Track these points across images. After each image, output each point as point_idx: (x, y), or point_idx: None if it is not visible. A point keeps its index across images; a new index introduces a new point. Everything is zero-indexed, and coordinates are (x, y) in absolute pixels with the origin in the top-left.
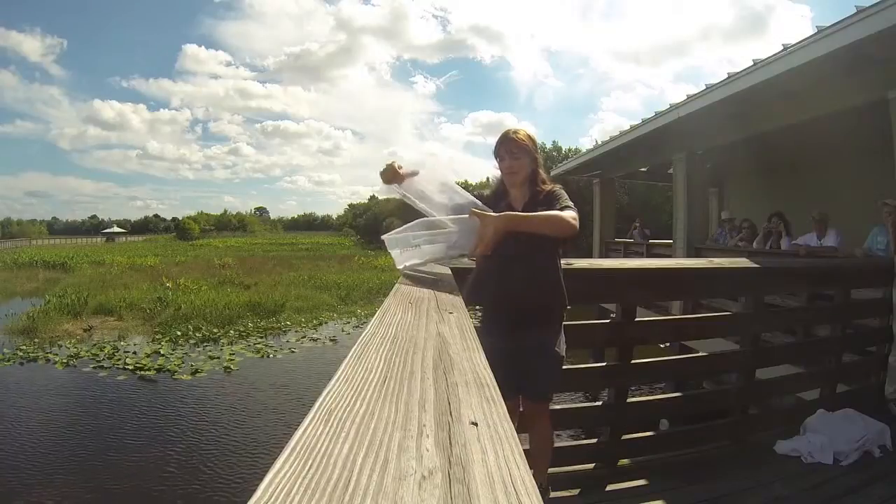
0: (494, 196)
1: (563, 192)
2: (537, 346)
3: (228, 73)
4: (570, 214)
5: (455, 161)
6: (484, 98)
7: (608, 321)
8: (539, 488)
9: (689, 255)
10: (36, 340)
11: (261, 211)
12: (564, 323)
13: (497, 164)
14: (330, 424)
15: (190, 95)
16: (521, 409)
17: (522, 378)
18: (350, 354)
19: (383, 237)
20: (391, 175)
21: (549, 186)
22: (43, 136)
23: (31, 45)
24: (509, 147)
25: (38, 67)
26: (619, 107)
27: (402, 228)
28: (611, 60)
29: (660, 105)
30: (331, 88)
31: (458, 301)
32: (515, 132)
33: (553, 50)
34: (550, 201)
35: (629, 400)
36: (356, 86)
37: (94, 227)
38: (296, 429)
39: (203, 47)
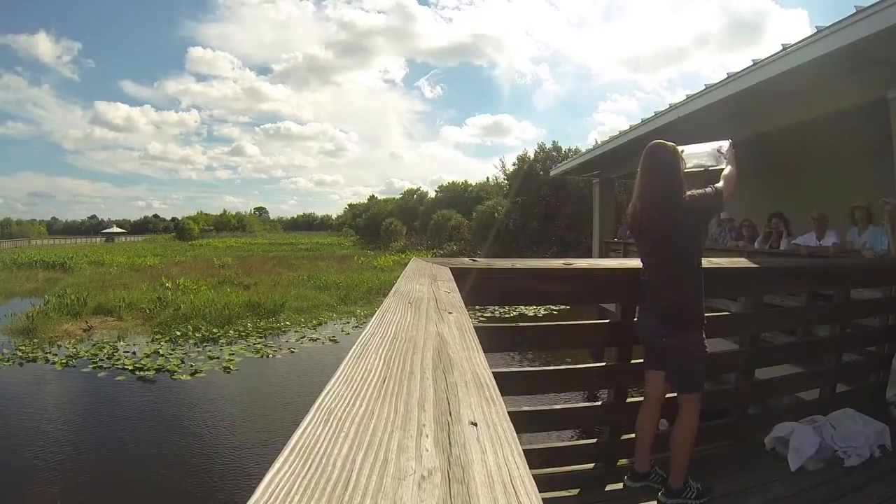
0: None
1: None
2: (675, 345)
3: (234, 76)
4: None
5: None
6: (484, 100)
7: (608, 321)
8: (661, 479)
9: None
10: (35, 341)
11: (260, 211)
12: (564, 322)
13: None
14: (329, 424)
15: (195, 97)
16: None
17: (667, 369)
18: (349, 354)
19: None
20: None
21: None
22: (45, 137)
23: (36, 47)
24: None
25: (42, 69)
26: (619, 108)
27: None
28: (610, 65)
29: (659, 109)
30: (334, 91)
31: (458, 301)
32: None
33: (553, 53)
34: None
35: (629, 400)
36: (359, 88)
37: (93, 227)
38: (295, 429)
39: (209, 49)
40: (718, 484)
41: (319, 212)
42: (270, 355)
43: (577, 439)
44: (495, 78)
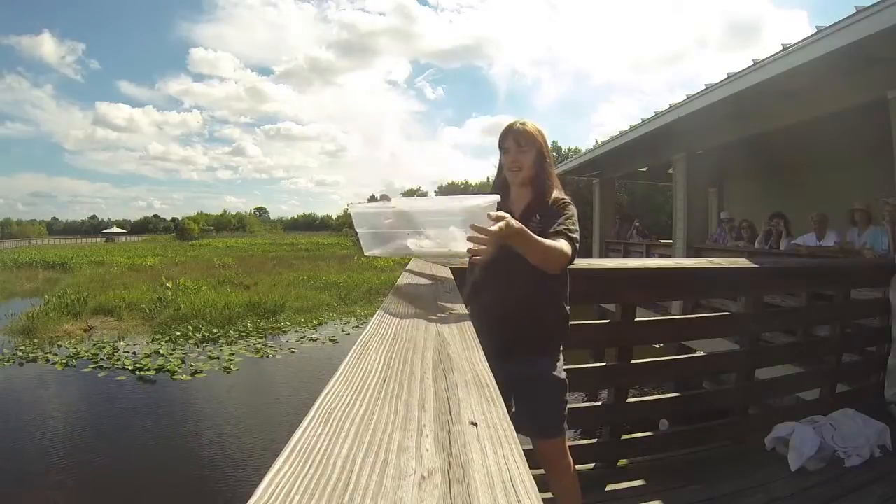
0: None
1: (572, 208)
2: (534, 374)
3: (235, 76)
4: (564, 246)
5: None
6: (484, 101)
7: (608, 321)
8: None
9: (688, 255)
10: (35, 341)
11: (260, 211)
12: None
13: (501, 159)
14: (330, 424)
15: (197, 98)
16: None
17: (522, 414)
18: (350, 354)
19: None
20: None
21: (557, 195)
22: (46, 137)
23: (40, 48)
24: (517, 137)
25: (45, 70)
26: (619, 109)
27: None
28: (610, 66)
29: (659, 109)
30: (336, 92)
31: (458, 301)
32: (523, 123)
33: (553, 54)
34: (554, 215)
35: (629, 400)
36: (361, 89)
37: (93, 227)
38: (296, 429)
39: (211, 50)
40: (719, 484)
41: (320, 212)
42: (270, 355)
43: (577, 439)
44: (496, 78)
